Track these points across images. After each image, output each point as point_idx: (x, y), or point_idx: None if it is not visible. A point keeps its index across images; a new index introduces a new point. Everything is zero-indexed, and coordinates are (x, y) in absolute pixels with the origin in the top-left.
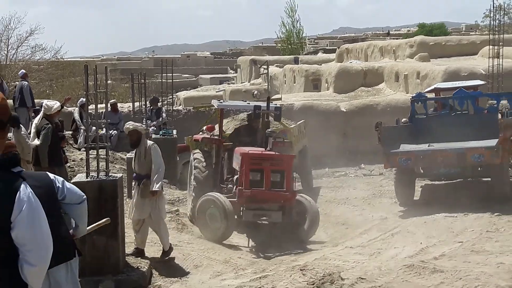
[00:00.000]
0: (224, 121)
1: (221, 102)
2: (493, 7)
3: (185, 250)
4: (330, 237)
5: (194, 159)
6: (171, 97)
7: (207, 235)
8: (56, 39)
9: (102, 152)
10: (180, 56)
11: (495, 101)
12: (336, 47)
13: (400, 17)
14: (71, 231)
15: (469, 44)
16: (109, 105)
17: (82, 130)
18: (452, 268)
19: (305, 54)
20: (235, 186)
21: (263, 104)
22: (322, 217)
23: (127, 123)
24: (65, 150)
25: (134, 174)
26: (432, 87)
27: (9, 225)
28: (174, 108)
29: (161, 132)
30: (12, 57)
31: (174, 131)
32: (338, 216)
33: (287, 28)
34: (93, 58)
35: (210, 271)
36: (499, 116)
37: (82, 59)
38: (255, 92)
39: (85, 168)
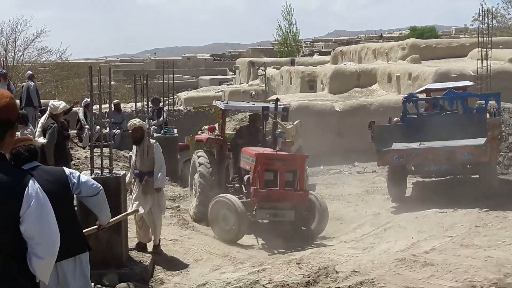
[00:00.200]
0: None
1: (227, 103)
2: (482, 11)
3: (185, 245)
4: (325, 232)
5: (199, 158)
6: (172, 97)
7: (220, 236)
8: (61, 41)
9: (105, 150)
10: (181, 58)
11: (484, 101)
12: (331, 50)
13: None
14: (97, 222)
15: (459, 47)
16: (112, 105)
17: (86, 129)
18: (442, 262)
19: (301, 56)
20: (245, 186)
21: (271, 105)
22: None
23: (133, 119)
24: (71, 148)
25: (136, 171)
26: (423, 88)
27: (18, 219)
28: (175, 108)
29: (162, 131)
30: (19, 59)
31: (175, 130)
32: (333, 212)
33: (284, 31)
34: (97, 60)
35: (209, 264)
36: (488, 115)
37: (86, 61)
38: (253, 93)
39: (89, 165)
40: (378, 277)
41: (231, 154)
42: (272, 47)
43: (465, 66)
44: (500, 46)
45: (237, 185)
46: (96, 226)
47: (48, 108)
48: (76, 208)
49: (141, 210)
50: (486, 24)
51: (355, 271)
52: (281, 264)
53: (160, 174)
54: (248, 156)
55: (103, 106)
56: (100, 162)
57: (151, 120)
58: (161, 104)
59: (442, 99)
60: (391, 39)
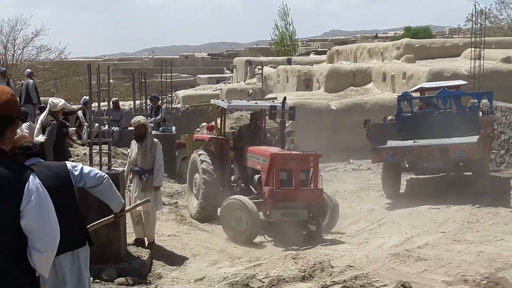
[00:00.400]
0: (218, 120)
1: (230, 102)
2: (475, 11)
3: (183, 240)
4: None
5: (200, 157)
6: (170, 95)
7: (233, 238)
8: (60, 40)
9: (104, 147)
10: (179, 56)
11: (477, 100)
12: (327, 49)
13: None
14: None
15: (452, 47)
16: (111, 103)
17: (85, 127)
18: (435, 257)
19: (298, 56)
20: (254, 186)
21: (278, 104)
22: None
23: (137, 116)
24: (70, 144)
25: (136, 168)
26: (417, 87)
27: (18, 214)
28: (173, 106)
29: (160, 129)
30: (19, 57)
31: (173, 128)
32: None
33: (280, 30)
34: (95, 58)
35: (207, 259)
36: (480, 114)
37: (85, 59)
38: (250, 91)
39: (88, 162)
40: (373, 271)
41: (233, 153)
42: (269, 47)
43: (458, 66)
44: (493, 46)
45: (242, 185)
46: (112, 216)
47: (48, 106)
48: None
49: (141, 208)
50: (479, 25)
51: (350, 266)
52: (277, 259)
53: (160, 172)
54: (259, 156)
55: (101, 103)
56: (99, 159)
57: (149, 118)
58: (159, 102)
59: (436, 98)
60: (386, 39)
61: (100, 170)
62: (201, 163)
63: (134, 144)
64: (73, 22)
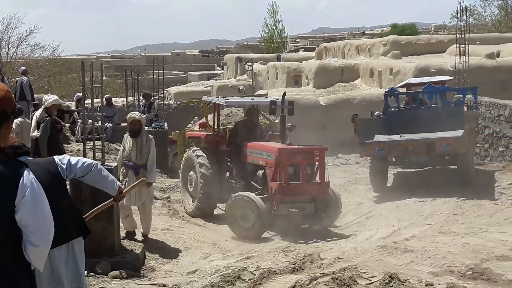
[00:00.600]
0: (209, 116)
1: (227, 99)
2: (460, 8)
3: (176, 234)
4: None
5: (196, 154)
6: (162, 92)
7: (239, 234)
8: (54, 38)
9: (98, 143)
10: (170, 54)
11: (461, 95)
12: (315, 46)
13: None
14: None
15: (438, 43)
16: (104, 100)
17: (79, 123)
18: (422, 248)
19: (287, 52)
20: (258, 182)
21: (278, 100)
22: None
23: (132, 112)
24: (67, 141)
25: (130, 163)
26: (404, 83)
27: (13, 208)
28: (165, 103)
29: (153, 125)
30: (13, 55)
31: (165, 124)
32: None
33: (270, 28)
34: (89, 56)
35: (199, 253)
36: (465, 109)
37: (78, 57)
38: (241, 88)
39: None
40: (361, 263)
41: (229, 149)
42: (259, 44)
43: (443, 62)
44: (477, 42)
45: (242, 181)
46: (111, 199)
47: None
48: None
49: (133, 204)
50: (463, 21)
51: (339, 258)
52: (268, 251)
53: (153, 168)
54: (262, 151)
55: (95, 100)
56: (92, 155)
57: (142, 114)
58: (152, 99)
59: (422, 93)
60: (373, 36)
61: None
62: (198, 161)
63: (127, 139)
64: (66, 20)
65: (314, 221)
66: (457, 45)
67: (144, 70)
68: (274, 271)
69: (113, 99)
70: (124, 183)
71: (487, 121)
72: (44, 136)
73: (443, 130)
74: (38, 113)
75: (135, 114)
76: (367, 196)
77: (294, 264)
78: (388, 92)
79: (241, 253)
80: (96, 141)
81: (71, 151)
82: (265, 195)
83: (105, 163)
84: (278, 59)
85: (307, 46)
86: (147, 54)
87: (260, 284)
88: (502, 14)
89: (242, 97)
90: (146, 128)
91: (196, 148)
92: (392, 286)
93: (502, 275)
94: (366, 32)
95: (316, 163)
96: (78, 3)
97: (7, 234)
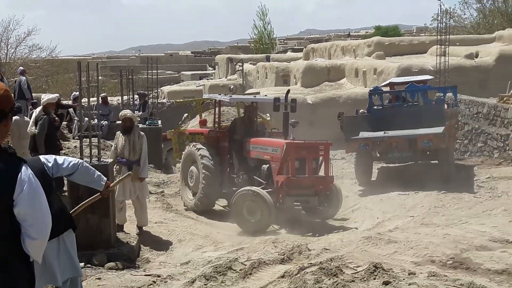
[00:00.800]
0: (203, 114)
1: (231, 96)
2: (441, 11)
3: (170, 227)
4: None
5: (199, 151)
6: (156, 91)
7: (245, 228)
8: (51, 39)
9: (94, 140)
10: (164, 54)
11: (442, 94)
12: (303, 47)
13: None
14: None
15: (420, 44)
16: (100, 98)
17: (75, 121)
18: (405, 239)
19: (276, 53)
20: (262, 177)
21: (282, 97)
22: None
23: (124, 110)
24: (65, 138)
25: (123, 159)
26: (387, 82)
27: (12, 203)
28: (159, 101)
29: (147, 123)
30: (12, 55)
31: (159, 122)
32: None
33: (259, 30)
34: (85, 56)
35: (192, 244)
36: (445, 106)
37: (75, 57)
38: (232, 87)
39: (79, 154)
40: (347, 253)
41: (230, 145)
42: (249, 45)
43: (425, 62)
44: (457, 44)
45: (244, 176)
46: (98, 194)
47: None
48: (67, 192)
49: (125, 198)
50: (444, 24)
51: (326, 249)
52: (258, 243)
53: (145, 164)
54: (267, 146)
55: (91, 99)
56: (89, 151)
57: (137, 112)
58: (146, 98)
59: (405, 92)
60: (358, 37)
61: (90, 161)
62: (201, 157)
63: (120, 136)
64: (63, 22)
65: (316, 214)
66: (438, 46)
67: (138, 70)
68: (264, 262)
69: (109, 98)
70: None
71: (466, 118)
72: (42, 133)
73: (425, 127)
74: (36, 111)
75: (127, 112)
76: (353, 190)
77: (283, 255)
78: (372, 91)
79: (232, 244)
80: (92, 138)
81: (68, 148)
82: (269, 189)
83: (101, 159)
84: (267, 59)
85: (295, 47)
86: (141, 54)
87: (250, 274)
88: (480, 17)
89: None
90: (140, 126)
91: (199, 145)
92: (376, 275)
93: (481, 264)
94: (351, 33)
95: (320, 157)
96: (74, 6)
97: (6, 228)
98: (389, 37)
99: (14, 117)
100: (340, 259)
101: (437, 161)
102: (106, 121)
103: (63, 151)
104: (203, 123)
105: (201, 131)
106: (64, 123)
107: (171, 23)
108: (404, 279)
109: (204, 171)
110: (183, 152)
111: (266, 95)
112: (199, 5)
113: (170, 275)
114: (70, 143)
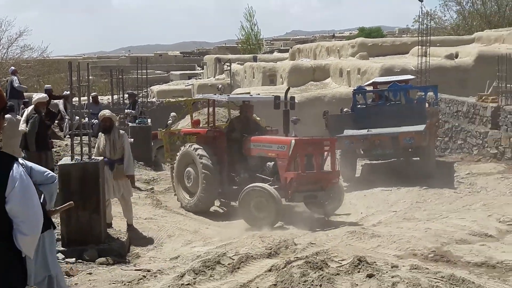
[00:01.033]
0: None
1: (229, 96)
2: (422, 13)
3: (159, 223)
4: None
5: (197, 151)
6: (145, 90)
7: (254, 224)
8: (42, 40)
9: (84, 138)
10: (153, 55)
11: (423, 93)
12: (289, 48)
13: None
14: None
15: (402, 45)
16: (90, 98)
17: (67, 120)
18: (388, 233)
19: (263, 53)
20: (267, 174)
21: (281, 95)
22: None
23: (104, 110)
24: (57, 136)
25: (106, 159)
26: (371, 81)
27: (4, 199)
28: (148, 100)
29: (137, 121)
30: (3, 56)
31: (149, 120)
32: None
33: (246, 31)
34: (76, 56)
35: (181, 240)
36: (427, 105)
37: (66, 58)
38: (220, 86)
39: (70, 152)
40: (332, 248)
41: (228, 144)
42: (236, 45)
43: (407, 62)
44: (438, 44)
45: (245, 174)
46: (71, 202)
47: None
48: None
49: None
50: (425, 25)
51: (312, 243)
52: (246, 238)
53: (130, 162)
54: (271, 144)
55: (82, 98)
56: (80, 149)
57: (127, 110)
58: (136, 97)
59: (387, 91)
60: (342, 38)
61: (82, 159)
62: (200, 157)
63: (101, 136)
64: (54, 23)
65: (319, 208)
66: (419, 47)
67: (128, 70)
68: (252, 256)
69: (99, 97)
70: None
71: (446, 116)
72: (32, 132)
73: (407, 125)
74: (28, 110)
75: (105, 112)
76: None
77: (270, 249)
78: (356, 90)
79: (221, 240)
80: (83, 137)
81: (59, 146)
82: (276, 186)
83: (92, 157)
84: (255, 59)
85: (281, 48)
86: (131, 55)
87: (238, 268)
88: (460, 19)
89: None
90: (130, 124)
91: (196, 145)
92: (360, 269)
93: (461, 257)
94: (335, 35)
95: (325, 153)
96: (66, 7)
97: (0, 224)
98: (372, 38)
99: (6, 116)
100: (325, 253)
101: (418, 158)
102: (96, 120)
103: (55, 149)
104: (196, 123)
105: (198, 131)
106: (56, 121)
107: (160, 24)
108: (387, 272)
109: (204, 170)
110: (178, 153)
111: (259, 94)
112: (188, 7)
113: (160, 270)
114: (62, 141)
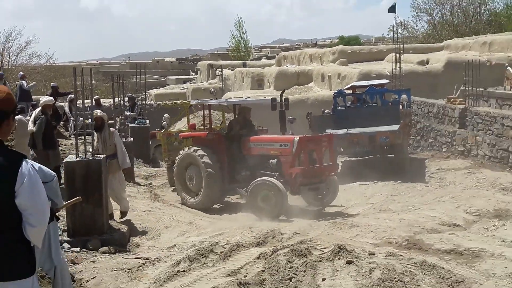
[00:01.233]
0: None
1: (229, 99)
2: (396, 23)
3: (157, 215)
4: None
5: (198, 153)
6: (144, 94)
7: (260, 215)
8: (49, 47)
9: (88, 138)
10: (151, 61)
11: (397, 96)
12: (275, 54)
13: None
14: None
15: (378, 52)
16: (93, 100)
17: (71, 120)
18: (365, 224)
19: (251, 60)
20: (271, 169)
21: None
22: None
23: (95, 110)
24: (62, 136)
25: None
26: (350, 85)
27: (14, 194)
28: (146, 103)
29: (136, 122)
30: (13, 62)
31: (147, 121)
32: None
33: (236, 39)
34: (79, 63)
35: (177, 230)
36: (400, 107)
37: (70, 64)
38: (212, 90)
39: (75, 150)
40: (315, 237)
41: (228, 145)
42: (227, 52)
43: (382, 68)
44: (410, 52)
45: (246, 171)
46: (78, 197)
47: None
48: (64, 185)
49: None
50: (399, 34)
51: (296, 233)
52: (236, 228)
53: (124, 156)
54: (274, 142)
55: (85, 101)
56: (84, 148)
57: (127, 112)
58: (135, 100)
59: (365, 94)
60: (323, 46)
61: (85, 157)
62: (202, 159)
63: (95, 135)
64: (60, 32)
65: (316, 201)
66: (394, 54)
67: (128, 75)
68: (242, 245)
69: (101, 100)
70: None
71: (418, 117)
72: (39, 132)
73: (382, 125)
74: (36, 111)
75: (97, 111)
76: None
77: (259, 239)
78: (337, 93)
79: (214, 230)
80: (86, 136)
81: (65, 145)
82: (280, 180)
83: (95, 155)
84: (244, 65)
85: (268, 55)
86: (131, 61)
87: (230, 256)
88: (430, 28)
89: (213, 98)
90: (130, 125)
91: (196, 147)
92: (341, 256)
93: (431, 245)
94: (318, 43)
95: (324, 148)
96: (70, 17)
97: (9, 216)
98: (351, 46)
99: (17, 117)
100: (309, 241)
101: (393, 155)
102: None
103: (60, 148)
104: (193, 127)
105: (199, 134)
106: (61, 122)
107: (157, 33)
108: (365, 258)
109: (206, 169)
110: (177, 158)
111: (249, 97)
112: (183, 18)
113: (157, 258)
114: (67, 140)
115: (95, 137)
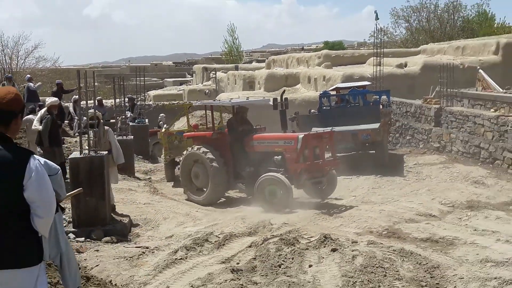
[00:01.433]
0: (185, 118)
1: (232, 99)
2: (376, 29)
3: (156, 207)
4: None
5: (202, 151)
6: (143, 95)
7: (267, 208)
8: (54, 51)
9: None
10: (150, 64)
11: (378, 96)
12: (265, 58)
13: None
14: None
15: (360, 56)
16: (96, 101)
17: (76, 120)
18: (348, 214)
19: (243, 63)
20: (275, 165)
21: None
22: None
23: (89, 110)
24: (67, 134)
25: None
26: (334, 87)
27: (22, 187)
28: (146, 103)
29: (136, 121)
30: (21, 65)
31: (146, 120)
32: None
33: (229, 44)
34: (83, 66)
35: (175, 221)
36: (381, 107)
37: (74, 67)
38: (207, 91)
39: (79, 147)
40: (303, 226)
41: (231, 143)
42: (221, 56)
43: (364, 71)
44: (390, 56)
45: (250, 168)
46: (80, 189)
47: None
48: (68, 180)
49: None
50: (379, 39)
51: (285, 223)
52: (229, 219)
53: (118, 152)
54: (278, 140)
55: (88, 101)
56: (87, 145)
57: (128, 112)
58: (135, 101)
59: (348, 95)
60: (310, 50)
61: (88, 153)
62: (207, 157)
63: (91, 132)
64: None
65: (317, 194)
66: (374, 57)
67: (128, 77)
68: (235, 235)
69: (104, 101)
70: None
71: (397, 116)
72: (45, 130)
73: (364, 123)
74: (42, 111)
75: (92, 111)
76: None
77: (250, 229)
78: (322, 94)
79: (209, 221)
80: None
81: (69, 142)
82: (286, 175)
83: (98, 152)
84: (236, 68)
85: (259, 58)
86: (131, 64)
87: (223, 245)
88: (408, 34)
89: (212, 99)
90: (130, 124)
91: (201, 146)
92: (326, 244)
93: (409, 234)
94: (304, 47)
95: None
96: (74, 24)
97: (18, 208)
98: (335, 51)
99: (27, 116)
100: (296, 231)
101: (374, 151)
102: (101, 120)
103: (65, 145)
104: (195, 127)
105: (204, 133)
106: (66, 121)
107: (156, 39)
108: (348, 246)
109: (212, 164)
110: (181, 158)
111: (247, 98)
112: (179, 24)
113: (156, 247)
114: (72, 138)
115: (92, 135)
